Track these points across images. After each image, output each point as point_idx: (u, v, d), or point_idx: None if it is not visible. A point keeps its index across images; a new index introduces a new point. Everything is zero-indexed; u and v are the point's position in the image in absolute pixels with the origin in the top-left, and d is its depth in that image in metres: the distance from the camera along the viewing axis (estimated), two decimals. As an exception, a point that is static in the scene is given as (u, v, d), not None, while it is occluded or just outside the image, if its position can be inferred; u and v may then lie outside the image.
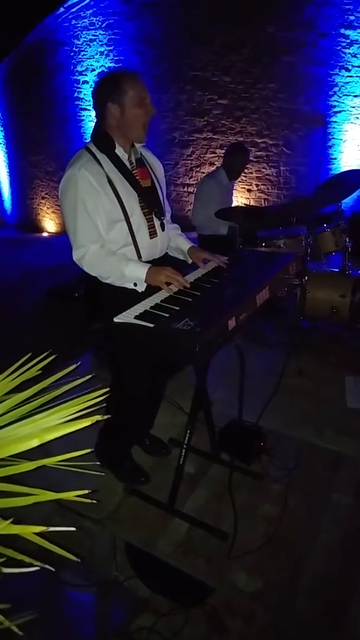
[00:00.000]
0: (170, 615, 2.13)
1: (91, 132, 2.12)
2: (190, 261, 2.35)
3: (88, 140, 2.11)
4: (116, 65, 8.45)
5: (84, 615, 2.28)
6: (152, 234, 2.14)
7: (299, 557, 2.07)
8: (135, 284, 2.02)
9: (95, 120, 2.11)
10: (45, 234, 11.18)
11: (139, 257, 2.09)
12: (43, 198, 10.99)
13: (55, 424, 0.89)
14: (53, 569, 0.80)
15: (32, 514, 2.35)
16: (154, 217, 2.14)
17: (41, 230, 11.29)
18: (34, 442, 0.85)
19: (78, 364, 1.21)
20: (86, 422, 0.89)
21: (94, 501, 0.89)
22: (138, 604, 2.20)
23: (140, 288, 2.02)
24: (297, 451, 2.62)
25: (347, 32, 6.39)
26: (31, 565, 0.76)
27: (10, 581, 2.17)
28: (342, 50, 6.49)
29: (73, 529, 0.86)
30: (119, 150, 2.05)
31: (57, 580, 2.26)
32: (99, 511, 2.25)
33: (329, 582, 1.97)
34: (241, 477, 2.46)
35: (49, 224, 11.14)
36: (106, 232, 2.02)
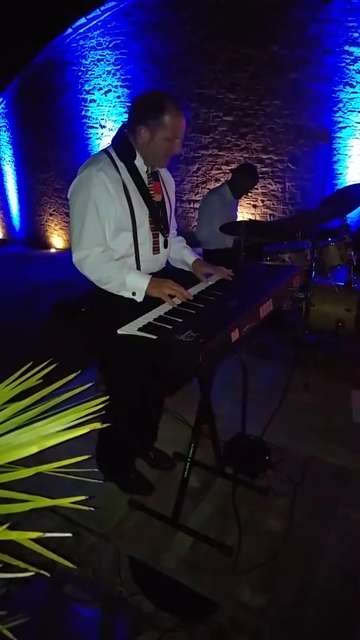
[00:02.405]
0: (174, 631, 2.10)
1: (114, 136, 2.09)
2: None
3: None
4: (123, 84, 8.59)
5: (87, 630, 2.25)
6: (156, 249, 2.14)
7: (305, 573, 2.04)
8: (133, 293, 2.01)
9: (120, 126, 2.09)
10: (52, 250, 11.27)
11: (138, 269, 2.09)
12: (51, 215, 11.10)
13: (54, 431, 0.89)
14: (48, 574, 0.79)
15: (35, 529, 2.34)
16: (160, 234, 2.14)
17: (49, 246, 11.38)
18: (33, 449, 0.85)
19: (78, 372, 1.21)
20: (85, 430, 0.89)
21: (92, 508, 0.89)
22: (142, 620, 2.17)
23: (139, 298, 2.01)
24: (303, 466, 2.59)
25: (351, 48, 6.45)
26: (26, 570, 0.76)
27: (14, 596, 2.16)
28: (347, 66, 6.56)
29: (69, 534, 0.86)
30: (139, 161, 2.04)
31: (61, 595, 2.24)
32: (103, 525, 2.24)
33: (336, 599, 1.94)
34: (246, 491, 2.44)
35: (57, 241, 11.24)
36: (110, 239, 2.01)
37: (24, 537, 0.75)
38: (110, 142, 2.09)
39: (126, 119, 2.07)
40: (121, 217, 1.99)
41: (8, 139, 11.06)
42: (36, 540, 0.83)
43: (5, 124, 10.92)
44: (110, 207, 1.95)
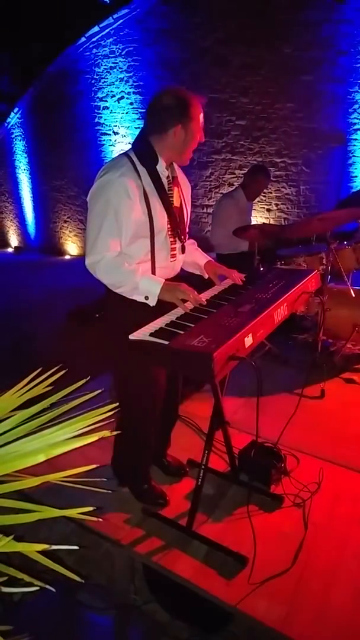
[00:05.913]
0: (189, 641, 2.07)
1: (134, 140, 2.06)
2: (206, 276, 2.34)
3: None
4: (136, 91, 8.63)
5: (101, 638, 2.23)
6: (173, 256, 2.12)
7: (323, 583, 2.00)
8: (146, 298, 1.98)
9: (141, 131, 2.05)
10: (67, 257, 11.34)
11: (153, 275, 2.07)
12: (65, 222, 11.17)
13: (62, 439, 0.87)
14: (53, 589, 0.77)
15: (50, 535, 2.33)
16: (177, 239, 2.12)
17: (63, 253, 11.46)
18: (41, 458, 0.83)
19: (87, 379, 1.19)
20: (93, 438, 0.87)
21: (99, 519, 0.87)
22: (156, 629, 2.15)
23: (152, 302, 1.98)
24: (319, 473, 2.55)
25: (367, 49, 6.40)
26: (31, 584, 0.74)
27: (28, 603, 2.15)
28: (362, 67, 6.51)
29: (75, 547, 0.84)
30: (160, 167, 2.00)
31: (75, 602, 2.23)
32: (117, 532, 2.22)
33: (355, 610, 1.89)
34: (261, 499, 2.40)
35: (71, 247, 11.30)
36: (127, 244, 1.98)
37: (30, 549, 0.73)
38: (131, 146, 2.05)
39: (147, 126, 2.02)
40: (140, 224, 1.96)
41: (23, 148, 11.17)
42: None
43: (20, 133, 11.04)
44: (129, 214, 1.91)
